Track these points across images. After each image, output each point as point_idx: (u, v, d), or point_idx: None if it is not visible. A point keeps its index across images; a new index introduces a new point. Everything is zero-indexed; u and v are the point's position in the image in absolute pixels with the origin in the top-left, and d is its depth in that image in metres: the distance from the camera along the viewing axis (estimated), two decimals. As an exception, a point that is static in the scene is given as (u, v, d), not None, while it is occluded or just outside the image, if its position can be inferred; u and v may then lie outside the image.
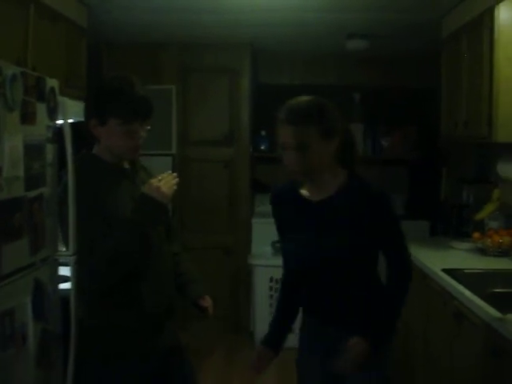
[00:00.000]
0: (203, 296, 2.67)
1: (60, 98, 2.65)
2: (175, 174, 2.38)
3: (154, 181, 2.34)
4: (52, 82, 2.55)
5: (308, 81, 6.07)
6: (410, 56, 5.84)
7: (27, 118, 2.33)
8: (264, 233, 5.42)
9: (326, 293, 2.35)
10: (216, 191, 5.70)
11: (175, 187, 2.36)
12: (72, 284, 2.54)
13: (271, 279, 5.41)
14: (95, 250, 2.30)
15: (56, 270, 2.64)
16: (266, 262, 5.38)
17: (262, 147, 6.00)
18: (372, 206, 2.26)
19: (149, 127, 2.45)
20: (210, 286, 2.85)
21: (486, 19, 3.67)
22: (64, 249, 2.57)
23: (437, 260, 3.70)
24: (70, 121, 2.64)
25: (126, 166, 2.52)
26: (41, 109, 2.44)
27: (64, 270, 2.67)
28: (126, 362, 2.40)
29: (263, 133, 6.00)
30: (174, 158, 5.54)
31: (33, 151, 2.38)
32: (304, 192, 2.37)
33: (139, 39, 5.41)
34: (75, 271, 2.50)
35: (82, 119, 2.50)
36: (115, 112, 2.35)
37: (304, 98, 2.30)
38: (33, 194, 2.38)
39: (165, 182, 2.33)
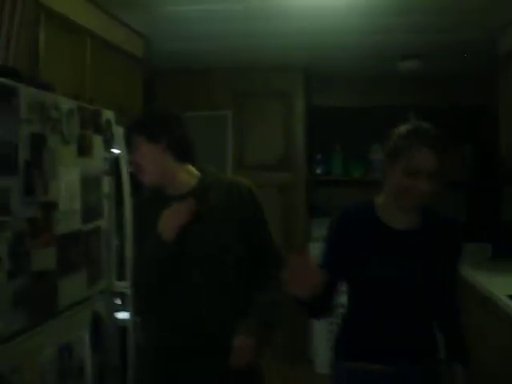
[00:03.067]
0: (239, 335, 2.24)
1: (116, 129, 2.67)
2: (192, 201, 2.16)
3: (166, 211, 2.16)
4: (108, 114, 2.58)
5: (362, 103, 6.02)
6: (464, 74, 5.74)
7: (84, 150, 2.36)
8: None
9: (402, 325, 2.20)
10: (271, 216, 5.64)
11: (185, 218, 2.14)
12: (129, 314, 2.54)
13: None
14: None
15: (113, 302, 2.65)
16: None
17: (318, 171, 5.96)
18: (453, 238, 2.24)
19: (132, 156, 2.25)
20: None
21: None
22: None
23: (500, 284, 3.56)
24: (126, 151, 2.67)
25: (171, 192, 2.27)
26: (97, 141, 2.47)
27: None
28: None
29: (319, 156, 5.96)
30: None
31: (90, 184, 2.40)
32: (382, 216, 2.23)
33: (192, 66, 5.45)
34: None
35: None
36: None
37: (426, 124, 2.22)
38: (90, 226, 2.39)
39: (176, 212, 2.15)
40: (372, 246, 2.20)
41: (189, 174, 2.28)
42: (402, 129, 2.18)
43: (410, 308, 2.19)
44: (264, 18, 4.00)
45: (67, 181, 2.22)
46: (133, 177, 2.36)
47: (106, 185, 2.54)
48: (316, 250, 5.67)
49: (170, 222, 2.13)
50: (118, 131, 2.68)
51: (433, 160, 2.07)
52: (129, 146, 2.21)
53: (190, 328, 2.23)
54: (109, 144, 2.57)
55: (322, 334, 5.24)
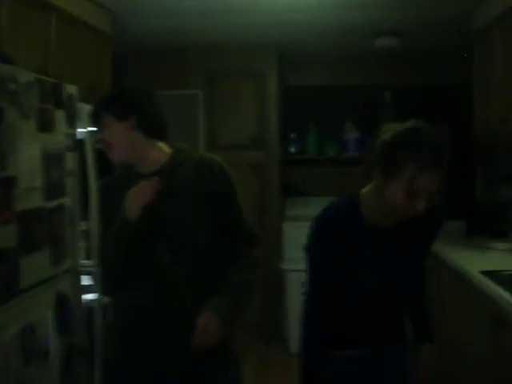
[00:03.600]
0: (205, 313, 2.17)
1: (80, 105, 2.59)
2: (157, 179, 2.11)
3: (131, 190, 2.10)
4: (70, 89, 2.50)
5: (337, 81, 5.97)
6: (440, 52, 5.71)
7: (45, 125, 2.28)
8: (296, 237, 5.30)
9: (377, 317, 2.19)
10: (245, 195, 5.57)
11: (149, 197, 2.09)
12: (97, 294, 2.49)
13: (304, 284, 5.29)
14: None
15: (79, 282, 2.58)
16: (299, 266, 5.26)
17: (292, 150, 5.91)
18: (436, 227, 2.23)
19: (100, 134, 2.19)
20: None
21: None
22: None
23: (474, 261, 3.55)
24: (92, 128, 2.59)
25: (142, 169, 2.21)
26: (59, 116, 2.39)
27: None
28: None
29: (293, 135, 5.91)
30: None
31: (52, 160, 2.33)
32: (365, 213, 2.09)
33: (165, 44, 5.37)
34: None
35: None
36: None
37: (431, 131, 2.01)
38: (53, 203, 2.32)
39: (142, 190, 2.09)
40: (353, 246, 2.09)
41: (160, 152, 2.22)
42: (401, 136, 1.94)
43: (382, 302, 2.17)
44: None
45: (27, 156, 2.14)
46: (102, 155, 2.29)
47: (70, 162, 2.47)
48: (289, 229, 5.68)
49: (135, 200, 2.08)
50: (82, 107, 2.60)
51: (438, 180, 1.90)
52: (97, 123, 2.15)
53: (160, 307, 2.17)
54: (72, 120, 2.50)
55: (296, 314, 5.20)
